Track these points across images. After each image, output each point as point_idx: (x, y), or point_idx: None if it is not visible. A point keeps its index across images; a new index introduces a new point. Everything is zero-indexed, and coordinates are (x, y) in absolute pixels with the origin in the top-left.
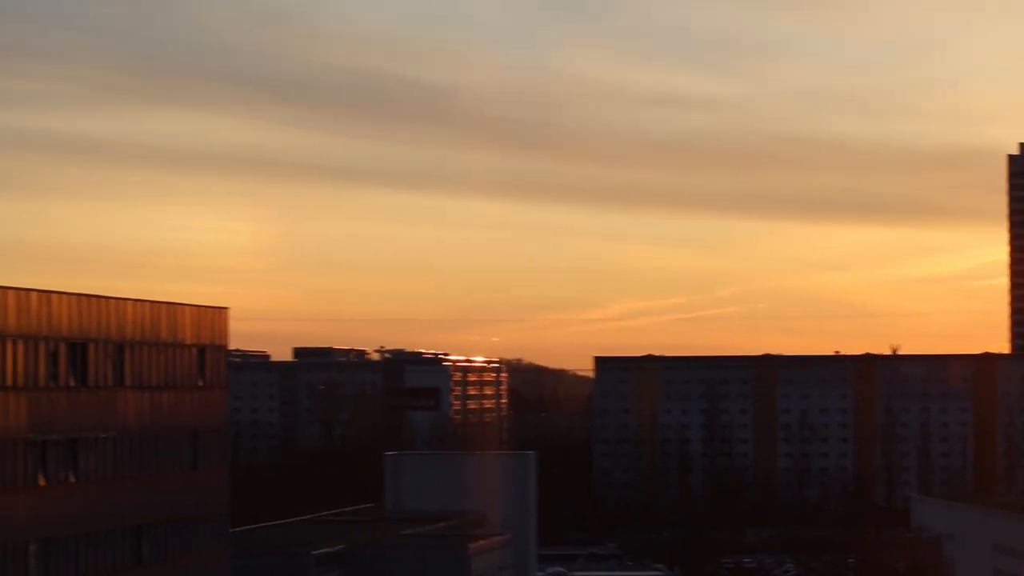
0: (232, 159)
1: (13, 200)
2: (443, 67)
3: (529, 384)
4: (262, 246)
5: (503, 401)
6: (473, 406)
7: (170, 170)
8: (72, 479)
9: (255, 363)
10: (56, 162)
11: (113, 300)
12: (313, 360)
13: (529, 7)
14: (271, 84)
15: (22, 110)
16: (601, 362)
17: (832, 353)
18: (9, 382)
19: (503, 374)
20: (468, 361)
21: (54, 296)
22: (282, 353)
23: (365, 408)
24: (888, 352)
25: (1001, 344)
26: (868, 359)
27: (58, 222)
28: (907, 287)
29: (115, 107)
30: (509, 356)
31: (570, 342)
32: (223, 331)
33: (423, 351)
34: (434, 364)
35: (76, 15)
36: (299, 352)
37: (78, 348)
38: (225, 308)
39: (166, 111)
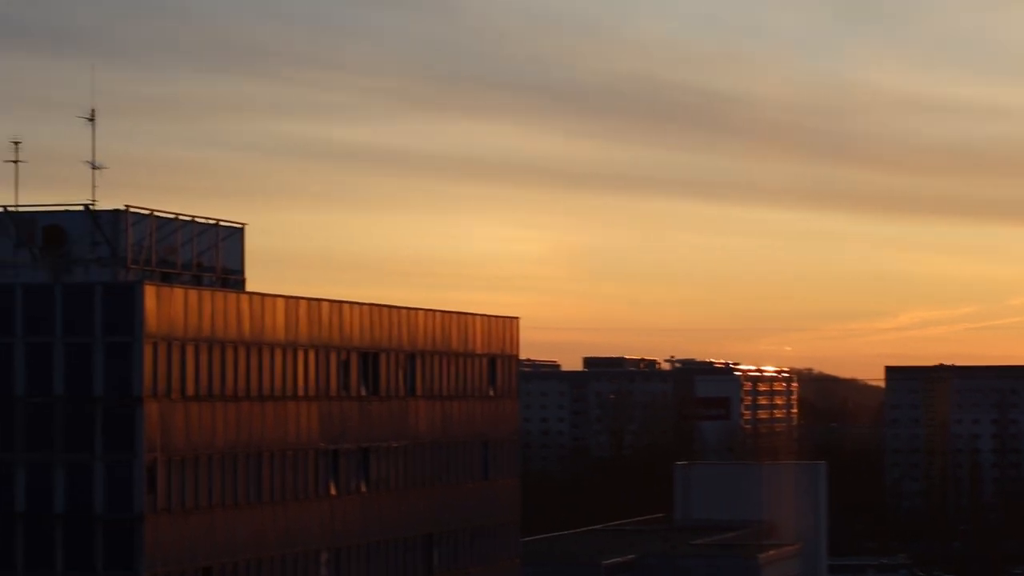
0: (524, 168)
1: (312, 210)
2: (734, 75)
3: (819, 394)
4: (554, 256)
5: (793, 411)
6: (763, 416)
7: (464, 179)
8: (363, 488)
9: (546, 373)
10: (354, 172)
11: (404, 310)
12: (604, 370)
13: (823, 15)
14: (562, 93)
15: (323, 121)
16: (892, 372)
17: None
18: (301, 392)
19: (793, 384)
20: (758, 371)
21: (345, 306)
22: (573, 363)
23: (655, 418)
24: None
25: None
26: None
27: (352, 232)
28: None
29: (411, 118)
30: (799, 366)
31: (860, 351)
32: (514, 341)
33: (714, 361)
34: (725, 374)
35: (377, 28)
36: (590, 362)
37: (370, 358)
38: (516, 318)
39: (461, 122)
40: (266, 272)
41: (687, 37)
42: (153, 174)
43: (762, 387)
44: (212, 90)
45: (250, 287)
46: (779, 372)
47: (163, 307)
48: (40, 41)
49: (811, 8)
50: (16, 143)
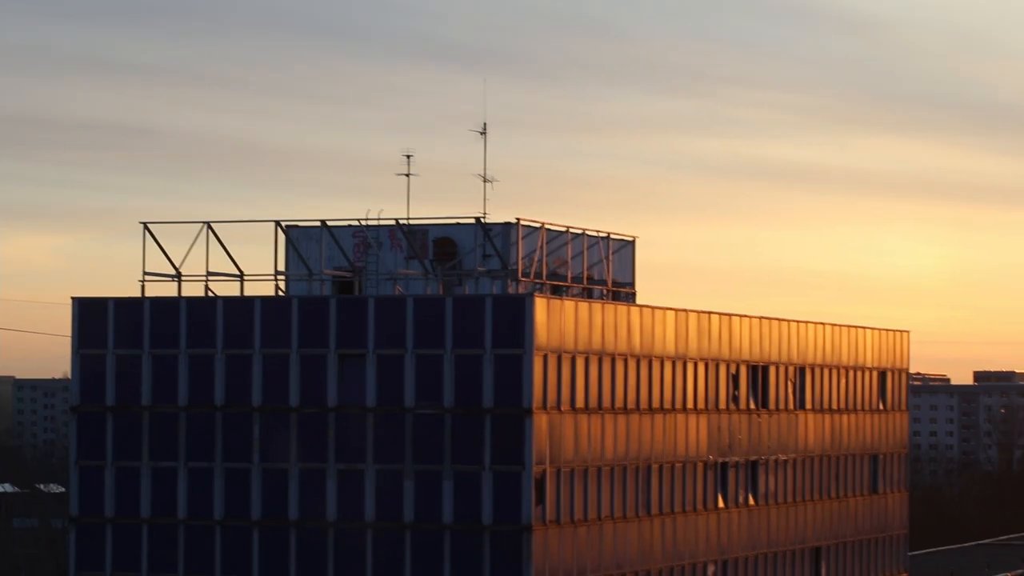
0: (924, 183)
1: (703, 223)
2: None
3: None
4: (945, 269)
5: None
6: None
7: (861, 194)
8: (752, 501)
9: (935, 386)
10: (765, 187)
11: (794, 323)
12: (994, 384)
13: None
14: (966, 109)
15: (739, 138)
16: None
17: None
18: (691, 404)
19: None
20: None
21: (735, 319)
22: (962, 377)
23: None
24: None
25: None
26: None
27: (742, 244)
28: None
29: (823, 134)
30: None
31: None
32: (904, 355)
33: None
34: None
35: (794, 45)
36: (980, 376)
37: (759, 371)
38: (906, 331)
39: (870, 137)
40: (657, 285)
41: None
42: (544, 187)
43: None
44: (606, 104)
45: (641, 300)
46: None
47: (553, 319)
48: (435, 55)
49: None
50: (408, 156)
